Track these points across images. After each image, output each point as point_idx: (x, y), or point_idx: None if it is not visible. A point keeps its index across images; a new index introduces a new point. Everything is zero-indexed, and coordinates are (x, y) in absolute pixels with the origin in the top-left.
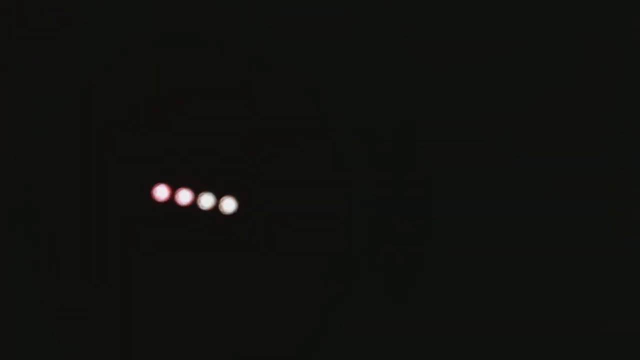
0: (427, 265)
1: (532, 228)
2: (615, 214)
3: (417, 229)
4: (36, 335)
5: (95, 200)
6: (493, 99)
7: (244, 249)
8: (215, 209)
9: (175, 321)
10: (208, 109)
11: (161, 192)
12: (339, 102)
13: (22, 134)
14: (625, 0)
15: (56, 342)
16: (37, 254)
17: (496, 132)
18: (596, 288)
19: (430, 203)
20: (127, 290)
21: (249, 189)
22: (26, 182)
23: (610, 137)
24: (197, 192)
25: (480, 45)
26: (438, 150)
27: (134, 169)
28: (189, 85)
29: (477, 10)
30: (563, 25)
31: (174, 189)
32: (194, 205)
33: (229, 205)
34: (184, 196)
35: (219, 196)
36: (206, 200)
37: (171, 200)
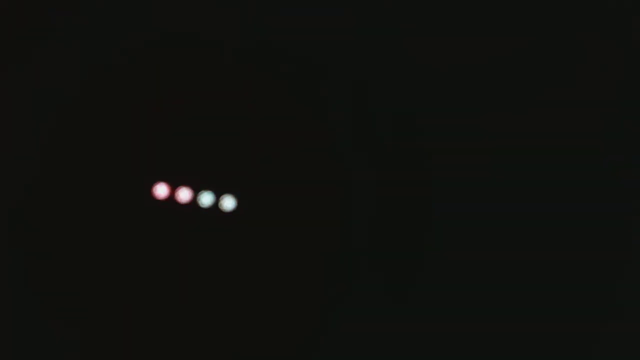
0: (427, 265)
1: (532, 228)
2: (615, 214)
3: (417, 229)
4: (36, 335)
5: (95, 199)
6: (493, 99)
7: (243, 248)
8: (215, 206)
9: (175, 320)
10: (208, 108)
11: (161, 190)
12: (339, 102)
13: (22, 134)
14: (625, 0)
15: (56, 342)
16: (37, 253)
17: (496, 132)
18: (596, 288)
19: (430, 203)
20: (127, 289)
21: (249, 188)
22: (26, 182)
23: (610, 137)
24: (196, 190)
25: (480, 45)
26: (438, 150)
27: (134, 168)
28: (189, 85)
29: (477, 10)
30: (563, 25)
31: (173, 187)
32: (193, 203)
33: (228, 203)
34: (184, 194)
35: (218, 194)
36: (206, 198)
37: (171, 198)
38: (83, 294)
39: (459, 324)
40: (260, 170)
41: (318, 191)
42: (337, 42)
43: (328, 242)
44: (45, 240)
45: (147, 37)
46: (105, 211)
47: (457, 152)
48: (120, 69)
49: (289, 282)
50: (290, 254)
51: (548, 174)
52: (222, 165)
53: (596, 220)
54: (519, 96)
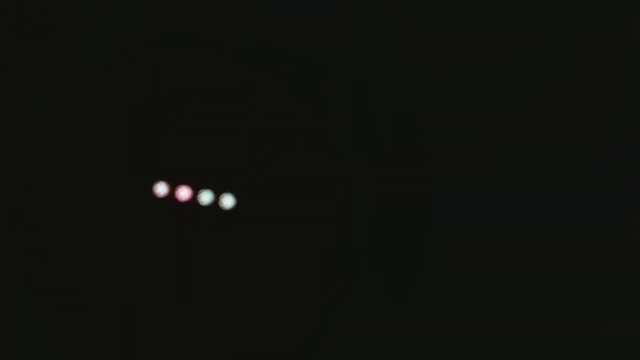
0: (427, 265)
1: (532, 228)
2: (615, 214)
3: (417, 229)
4: (36, 335)
5: (95, 199)
6: (493, 99)
7: (243, 248)
8: (215, 205)
9: (175, 319)
10: (208, 108)
11: (161, 189)
12: (339, 102)
13: (22, 134)
14: (625, 0)
15: (56, 342)
16: (37, 253)
17: (496, 132)
18: (596, 288)
19: (430, 203)
20: (127, 288)
21: (249, 188)
22: (26, 182)
23: (610, 137)
24: (196, 189)
25: (480, 45)
26: (438, 150)
27: (134, 167)
28: (189, 85)
29: (477, 10)
30: (563, 25)
31: (173, 185)
32: (193, 201)
33: (228, 201)
34: (184, 192)
35: (218, 192)
36: (205, 197)
37: (171, 197)
38: (83, 294)
39: (458, 324)
40: (260, 170)
41: (318, 191)
42: (337, 42)
43: (328, 242)
44: (45, 240)
45: (147, 37)
46: (105, 210)
47: (457, 152)
48: (120, 69)
49: (288, 282)
50: (290, 253)
51: (548, 174)
52: (222, 164)
53: (596, 220)
54: (519, 96)
